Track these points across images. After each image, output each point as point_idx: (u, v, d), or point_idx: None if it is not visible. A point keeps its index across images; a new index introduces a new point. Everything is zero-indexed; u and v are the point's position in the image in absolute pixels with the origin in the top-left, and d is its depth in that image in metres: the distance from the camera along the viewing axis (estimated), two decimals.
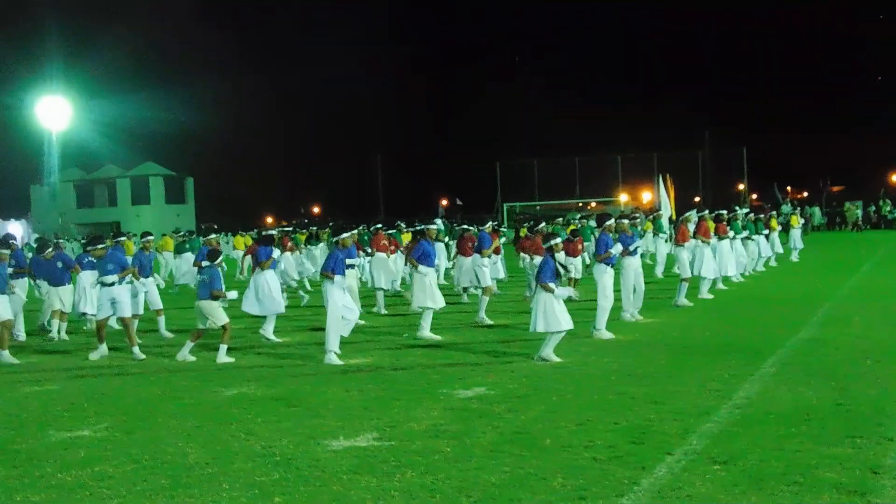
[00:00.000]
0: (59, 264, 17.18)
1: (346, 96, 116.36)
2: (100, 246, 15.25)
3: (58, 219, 72.72)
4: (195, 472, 7.58)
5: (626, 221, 16.06)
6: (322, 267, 14.54)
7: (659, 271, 26.54)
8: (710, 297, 20.06)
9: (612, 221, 15.51)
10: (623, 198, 75.60)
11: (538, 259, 18.34)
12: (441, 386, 10.93)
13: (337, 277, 13.49)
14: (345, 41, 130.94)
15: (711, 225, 21.13)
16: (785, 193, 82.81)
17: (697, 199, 76.45)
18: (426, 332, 15.06)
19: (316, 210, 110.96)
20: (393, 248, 21.96)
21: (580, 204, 75.19)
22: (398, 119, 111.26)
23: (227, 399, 10.78)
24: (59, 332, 17.00)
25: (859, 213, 59.73)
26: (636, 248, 16.28)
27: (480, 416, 9.32)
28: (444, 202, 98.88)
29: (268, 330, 15.71)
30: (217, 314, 13.69)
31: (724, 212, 23.43)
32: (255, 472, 7.52)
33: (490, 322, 16.80)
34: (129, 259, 16.37)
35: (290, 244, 23.23)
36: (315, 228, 33.15)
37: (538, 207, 71.26)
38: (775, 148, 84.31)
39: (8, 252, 15.07)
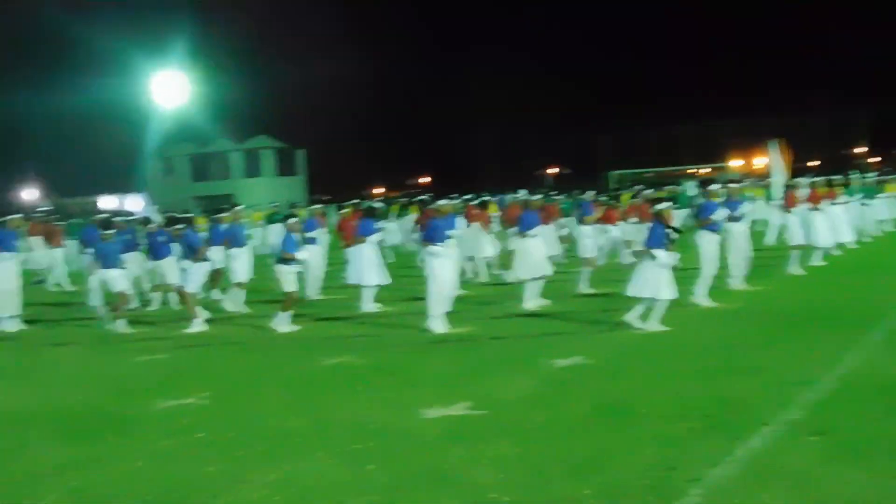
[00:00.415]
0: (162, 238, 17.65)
1: (454, 64, 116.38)
2: (179, 226, 15.87)
3: (173, 192, 74.48)
4: (292, 440, 7.74)
5: (735, 185, 15.56)
6: (422, 236, 14.62)
7: (770, 238, 25.96)
8: (824, 263, 19.54)
9: (717, 186, 15.17)
10: (735, 163, 74.29)
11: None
12: (538, 355, 10.90)
13: (436, 246, 13.54)
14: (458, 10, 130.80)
15: (823, 190, 20.60)
16: None
17: (812, 164, 74.71)
18: (529, 301, 15.01)
19: (425, 181, 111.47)
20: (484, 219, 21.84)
21: (690, 171, 74.07)
22: (506, 87, 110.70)
23: (327, 369, 10.96)
24: (165, 303, 17.49)
25: None
26: (741, 213, 15.93)
27: (576, 385, 9.30)
28: (552, 171, 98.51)
29: (366, 300, 15.88)
30: (285, 279, 14.03)
31: (837, 176, 22.80)
32: (350, 440, 7.63)
33: (592, 291, 16.64)
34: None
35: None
36: (406, 199, 33.35)
37: (647, 175, 70.37)
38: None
39: (112, 232, 15.62)
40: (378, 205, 17.55)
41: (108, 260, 14.98)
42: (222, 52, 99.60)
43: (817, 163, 74.14)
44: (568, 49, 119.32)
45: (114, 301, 15.07)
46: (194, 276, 15.05)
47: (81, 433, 8.38)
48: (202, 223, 24.36)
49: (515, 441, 7.34)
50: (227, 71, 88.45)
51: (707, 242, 14.34)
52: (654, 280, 12.05)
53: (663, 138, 75.22)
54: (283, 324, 13.97)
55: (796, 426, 7.34)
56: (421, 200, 22.47)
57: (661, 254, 12.05)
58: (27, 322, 15.97)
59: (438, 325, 13.18)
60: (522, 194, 27.24)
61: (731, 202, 15.92)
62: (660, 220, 12.48)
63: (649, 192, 21.71)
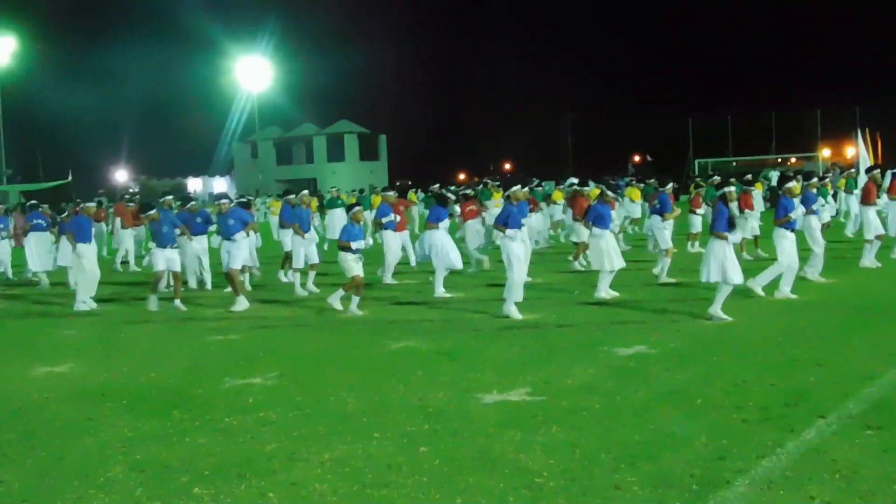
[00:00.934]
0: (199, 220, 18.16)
1: (538, 51, 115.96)
2: (224, 201, 16.48)
3: (258, 175, 75.55)
4: (351, 421, 7.92)
5: (793, 184, 15.12)
6: (495, 221, 14.70)
7: (849, 230, 25.48)
8: None
9: (793, 183, 14.91)
10: (826, 153, 72.70)
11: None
12: (602, 343, 10.94)
13: (510, 231, 13.62)
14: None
15: None
16: None
17: None
18: (601, 291, 14.98)
19: (507, 167, 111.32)
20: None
21: (778, 160, 72.74)
22: (591, 74, 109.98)
23: (393, 352, 11.15)
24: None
25: None
26: (817, 207, 15.75)
27: (636, 374, 9.33)
28: (637, 158, 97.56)
29: (437, 285, 16.03)
30: (346, 266, 14.31)
31: None
32: (407, 422, 7.79)
33: (672, 281, 16.49)
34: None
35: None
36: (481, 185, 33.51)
37: (734, 164, 69.21)
38: None
39: (154, 212, 16.41)
40: (450, 191, 17.60)
41: (163, 240, 15.85)
42: (306, 38, 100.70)
43: None
44: (658, 32, 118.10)
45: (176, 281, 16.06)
46: (235, 255, 15.49)
47: (150, 409, 8.67)
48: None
49: (568, 427, 7.42)
50: (311, 56, 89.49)
51: (783, 240, 14.06)
52: (723, 263, 12.02)
53: (752, 125, 73.83)
54: (336, 301, 14.48)
55: (853, 420, 7.28)
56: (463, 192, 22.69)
57: (727, 235, 12.05)
58: (107, 301, 16.53)
59: (514, 311, 13.28)
60: (568, 182, 27.40)
61: (807, 196, 15.75)
62: (724, 202, 12.44)
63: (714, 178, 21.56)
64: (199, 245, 18.20)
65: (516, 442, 7.10)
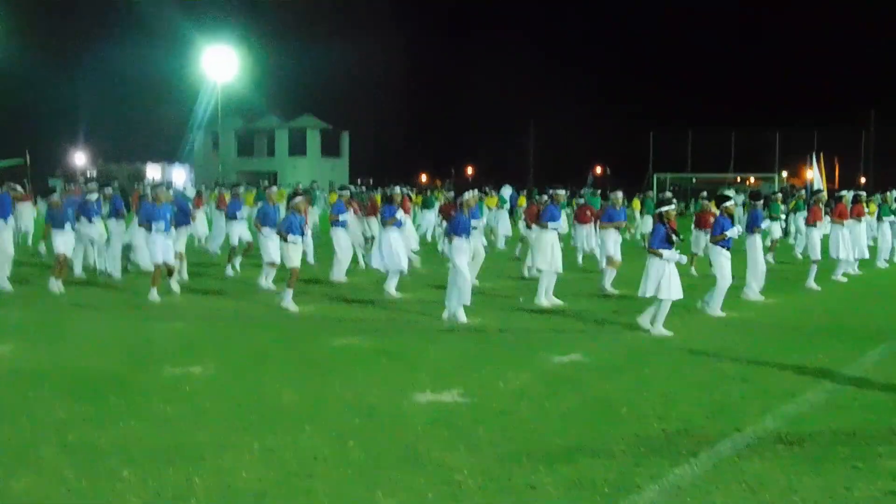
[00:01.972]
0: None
1: (504, 58, 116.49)
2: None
3: (218, 166, 75.11)
4: (283, 414, 8.09)
5: (730, 203, 15.29)
6: (446, 228, 14.91)
7: (798, 251, 25.95)
8: (844, 280, 19.59)
9: (732, 202, 15.20)
10: (784, 174, 73.71)
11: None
12: (539, 350, 11.16)
13: (458, 239, 13.83)
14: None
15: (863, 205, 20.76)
16: None
17: (863, 180, 73.93)
18: (542, 298, 15.23)
19: (469, 171, 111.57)
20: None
21: (738, 179, 73.65)
22: (558, 83, 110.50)
23: (335, 349, 11.31)
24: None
25: None
26: (759, 227, 16.12)
27: (568, 381, 9.56)
28: (599, 170, 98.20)
29: (390, 286, 16.20)
30: (287, 255, 14.80)
31: (863, 193, 22.83)
32: (339, 417, 7.98)
33: (615, 292, 16.77)
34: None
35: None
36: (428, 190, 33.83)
37: (693, 181, 69.97)
38: None
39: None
40: (396, 190, 17.75)
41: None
42: (272, 30, 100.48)
43: (863, 180, 73.53)
44: (624, 47, 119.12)
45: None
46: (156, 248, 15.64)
47: (87, 393, 8.78)
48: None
49: (495, 429, 7.64)
50: (276, 49, 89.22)
51: (719, 257, 14.36)
52: (659, 280, 12.30)
53: (711, 143, 74.70)
54: (290, 304, 14.53)
55: (768, 434, 7.55)
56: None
57: (665, 253, 12.33)
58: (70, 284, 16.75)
59: (460, 314, 13.48)
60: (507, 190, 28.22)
61: (754, 215, 16.12)
62: (662, 221, 12.74)
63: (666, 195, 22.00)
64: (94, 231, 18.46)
65: (442, 440, 7.30)
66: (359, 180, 78.49)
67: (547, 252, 15.26)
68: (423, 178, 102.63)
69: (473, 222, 15.12)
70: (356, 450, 7.01)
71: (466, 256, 13.97)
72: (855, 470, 6.65)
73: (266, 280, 16.81)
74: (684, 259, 12.95)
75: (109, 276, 18.04)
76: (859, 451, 7.13)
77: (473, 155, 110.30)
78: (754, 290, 16.05)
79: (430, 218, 31.90)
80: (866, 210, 23.54)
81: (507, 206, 31.97)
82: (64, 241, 16.48)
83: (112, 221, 18.71)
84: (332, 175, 75.98)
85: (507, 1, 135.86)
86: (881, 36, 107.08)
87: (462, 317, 13.42)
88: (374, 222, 20.39)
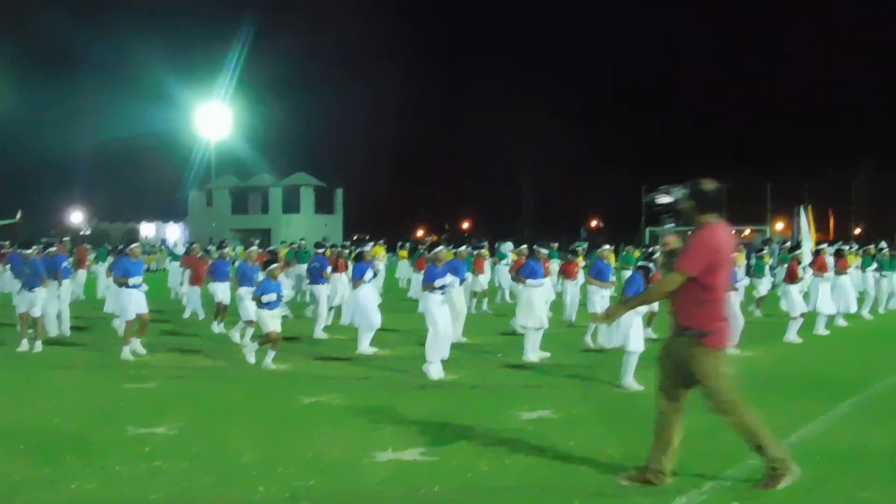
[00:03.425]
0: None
1: (499, 112, 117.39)
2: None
3: (212, 223, 75.39)
4: (240, 473, 8.03)
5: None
6: (423, 280, 14.91)
7: (784, 304, 25.87)
8: (826, 332, 19.59)
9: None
10: (779, 226, 73.95)
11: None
12: (509, 406, 11.11)
13: (430, 294, 13.83)
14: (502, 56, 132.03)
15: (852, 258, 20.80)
16: None
17: (857, 230, 74.18)
18: (530, 354, 15.20)
19: (465, 225, 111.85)
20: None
21: (733, 231, 73.76)
22: (553, 136, 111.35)
23: (303, 406, 11.26)
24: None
25: None
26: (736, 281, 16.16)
27: (532, 437, 9.50)
28: (594, 223, 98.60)
29: (362, 344, 16.18)
30: (262, 321, 14.57)
31: (847, 247, 22.92)
32: (296, 476, 7.91)
33: (594, 346, 16.72)
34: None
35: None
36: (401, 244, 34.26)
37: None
38: None
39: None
40: (367, 248, 17.90)
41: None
42: (266, 88, 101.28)
43: (858, 231, 73.77)
44: (617, 99, 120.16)
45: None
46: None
47: (45, 453, 8.72)
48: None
49: (451, 488, 7.58)
50: (270, 107, 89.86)
51: None
52: (626, 331, 12.30)
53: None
54: (251, 353, 14.72)
55: (725, 490, 7.53)
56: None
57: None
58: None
59: (434, 370, 13.44)
60: (508, 246, 28.23)
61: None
62: (642, 273, 12.76)
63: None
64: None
65: (396, 498, 7.26)
66: (355, 236, 78.65)
67: (529, 308, 15.27)
68: (420, 232, 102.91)
69: (451, 278, 15.20)
70: None
71: (441, 310, 13.93)
72: None
73: (242, 336, 16.83)
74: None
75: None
76: None
77: (469, 208, 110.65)
78: (730, 342, 16.03)
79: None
80: (857, 263, 23.68)
81: (508, 261, 32.06)
82: (27, 301, 16.41)
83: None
84: (327, 231, 76.17)
85: (504, 55, 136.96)
86: (870, 85, 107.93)
87: (433, 373, 13.37)
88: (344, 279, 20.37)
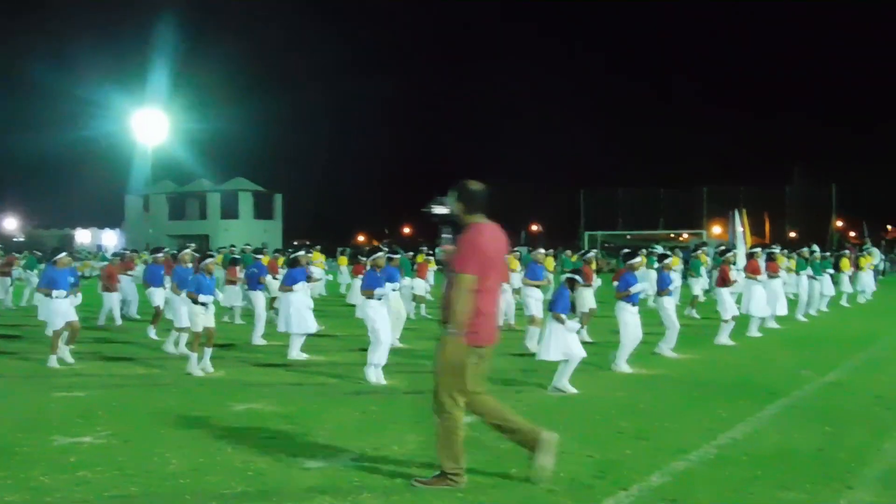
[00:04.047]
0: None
1: (432, 118, 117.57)
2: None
3: (149, 230, 74.53)
4: (167, 483, 7.92)
5: (637, 260, 15.38)
6: (361, 286, 14.86)
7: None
8: (759, 335, 19.88)
9: (638, 259, 15.37)
10: (716, 230, 74.92)
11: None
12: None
13: (369, 299, 13.84)
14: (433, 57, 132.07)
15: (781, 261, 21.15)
16: (884, 232, 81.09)
17: (793, 234, 75.43)
18: None
19: (407, 230, 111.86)
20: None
21: (671, 235, 74.71)
22: (489, 142, 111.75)
23: (234, 414, 11.16)
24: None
25: None
26: (671, 285, 16.34)
27: (466, 443, 9.48)
28: (534, 228, 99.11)
29: (293, 349, 16.10)
30: (193, 319, 14.56)
31: (777, 250, 23.27)
32: (223, 484, 7.84)
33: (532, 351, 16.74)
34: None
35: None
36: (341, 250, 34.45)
37: (628, 237, 70.76)
38: (869, 184, 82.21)
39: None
40: (303, 253, 17.84)
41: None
42: (203, 93, 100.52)
43: (793, 234, 75.02)
44: (552, 107, 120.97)
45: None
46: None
47: None
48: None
49: (378, 494, 7.57)
50: (208, 112, 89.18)
51: (624, 313, 14.52)
52: (562, 341, 12.36)
53: (641, 200, 75.87)
54: (195, 369, 14.43)
55: (652, 492, 7.58)
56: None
57: (564, 318, 12.43)
58: None
59: (374, 375, 13.42)
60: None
61: (662, 277, 16.30)
62: (568, 286, 12.85)
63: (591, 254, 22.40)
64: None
65: None
66: (294, 242, 78.21)
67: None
68: (361, 238, 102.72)
69: (390, 285, 15.23)
70: None
71: (379, 315, 13.88)
72: None
73: (176, 346, 16.67)
74: (577, 326, 13.05)
75: None
76: None
77: (409, 214, 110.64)
78: (667, 346, 16.24)
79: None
80: (786, 264, 24.04)
81: None
82: None
83: None
84: (266, 237, 75.63)
85: (442, 59, 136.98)
86: (802, 93, 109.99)
87: (372, 377, 13.36)
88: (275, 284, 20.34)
